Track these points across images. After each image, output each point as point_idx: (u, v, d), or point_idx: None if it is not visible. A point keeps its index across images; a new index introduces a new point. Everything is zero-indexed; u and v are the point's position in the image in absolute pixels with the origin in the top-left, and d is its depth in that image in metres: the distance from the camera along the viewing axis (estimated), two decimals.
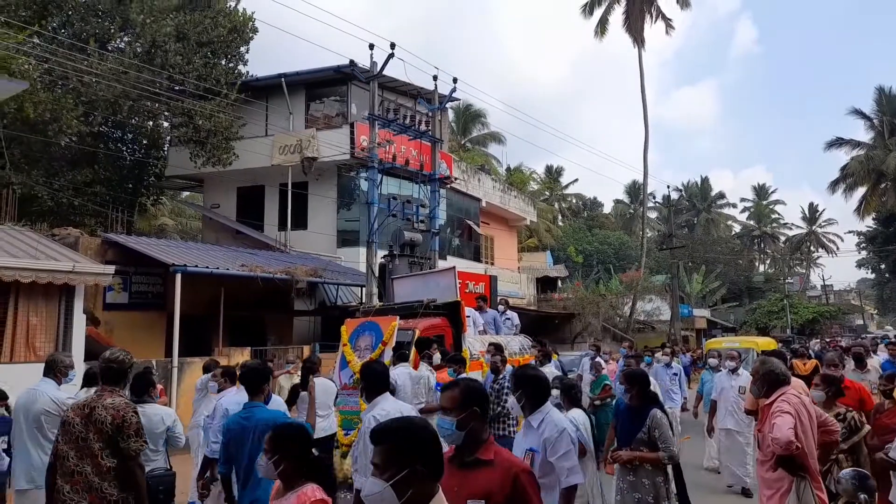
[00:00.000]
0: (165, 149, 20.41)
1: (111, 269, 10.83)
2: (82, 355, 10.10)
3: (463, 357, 7.35)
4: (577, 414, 5.13)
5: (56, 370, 5.07)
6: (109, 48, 17.91)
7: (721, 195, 66.09)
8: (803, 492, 3.84)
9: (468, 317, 9.89)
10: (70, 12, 17.48)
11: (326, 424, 7.12)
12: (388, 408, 4.19)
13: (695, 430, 10.18)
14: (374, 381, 4.30)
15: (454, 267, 10.72)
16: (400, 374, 6.89)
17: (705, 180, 66.32)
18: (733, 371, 7.99)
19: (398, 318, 8.48)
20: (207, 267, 13.04)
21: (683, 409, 10.37)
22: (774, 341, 16.27)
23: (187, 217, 30.76)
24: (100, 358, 3.96)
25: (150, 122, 18.83)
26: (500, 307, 11.67)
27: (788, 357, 8.72)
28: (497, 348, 7.39)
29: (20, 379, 7.61)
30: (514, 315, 11.53)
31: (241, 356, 13.15)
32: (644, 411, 4.51)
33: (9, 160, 14.69)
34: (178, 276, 12.21)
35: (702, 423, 9.35)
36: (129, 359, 3.96)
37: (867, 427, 4.96)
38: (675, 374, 10.21)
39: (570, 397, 5.35)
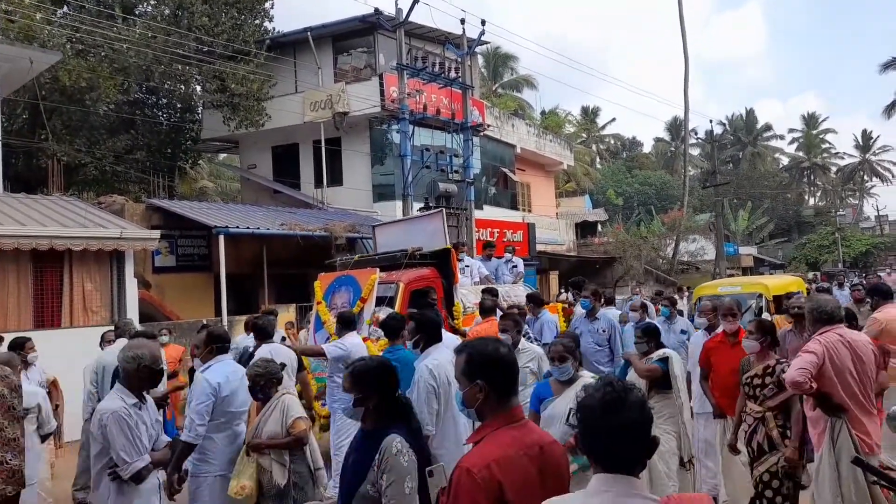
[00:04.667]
0: (199, 112, 20.60)
1: (157, 233, 11.13)
2: (137, 318, 10.52)
3: (349, 317, 6.08)
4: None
5: (127, 333, 6.14)
6: (137, 13, 17.95)
7: (767, 127, 63.26)
8: (838, 432, 3.75)
9: (468, 266, 9.23)
10: None
11: None
12: (440, 357, 4.25)
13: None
14: (431, 331, 4.43)
15: (441, 210, 9.45)
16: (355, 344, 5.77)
17: (750, 112, 63.47)
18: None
19: (378, 270, 7.56)
20: (249, 227, 13.30)
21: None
22: (800, 280, 12.58)
23: (226, 179, 31.27)
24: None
25: (183, 87, 18.98)
26: (507, 254, 10.78)
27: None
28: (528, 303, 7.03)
29: (82, 342, 8.03)
30: (519, 261, 10.72)
31: (286, 313, 13.52)
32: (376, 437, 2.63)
33: (50, 131, 15.07)
34: (222, 238, 12.51)
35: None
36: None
37: None
38: (685, 333, 7.08)
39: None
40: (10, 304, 9.37)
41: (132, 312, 10.48)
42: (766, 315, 9.03)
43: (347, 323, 5.90)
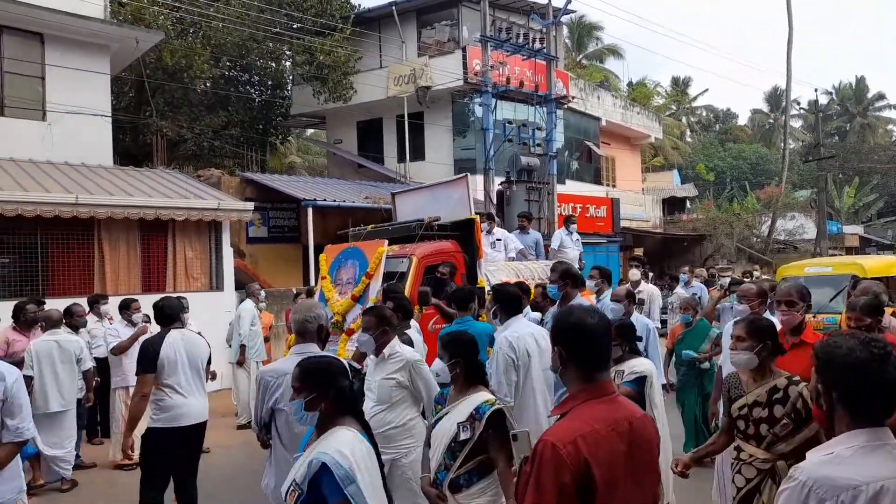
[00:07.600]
0: (289, 88, 21.28)
1: (251, 205, 11.67)
2: (233, 285, 11.14)
3: (462, 295, 5.24)
4: None
5: (254, 296, 8.57)
6: None
7: (880, 96, 57.91)
8: None
9: (499, 239, 8.55)
10: None
11: (197, 406, 4.50)
12: (520, 330, 4.23)
13: None
14: (509, 303, 4.42)
15: (465, 175, 8.45)
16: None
17: (861, 80, 58.31)
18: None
19: (387, 242, 6.74)
20: (335, 200, 13.74)
21: None
22: None
23: (313, 154, 32.21)
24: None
25: (273, 64, 19.63)
26: (572, 226, 10.04)
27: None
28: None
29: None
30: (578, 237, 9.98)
31: None
32: None
33: (154, 108, 16.03)
34: (310, 210, 12.98)
35: None
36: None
37: None
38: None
39: None
40: (122, 269, 10.15)
41: (229, 280, 11.10)
42: None
43: (462, 302, 5.17)
